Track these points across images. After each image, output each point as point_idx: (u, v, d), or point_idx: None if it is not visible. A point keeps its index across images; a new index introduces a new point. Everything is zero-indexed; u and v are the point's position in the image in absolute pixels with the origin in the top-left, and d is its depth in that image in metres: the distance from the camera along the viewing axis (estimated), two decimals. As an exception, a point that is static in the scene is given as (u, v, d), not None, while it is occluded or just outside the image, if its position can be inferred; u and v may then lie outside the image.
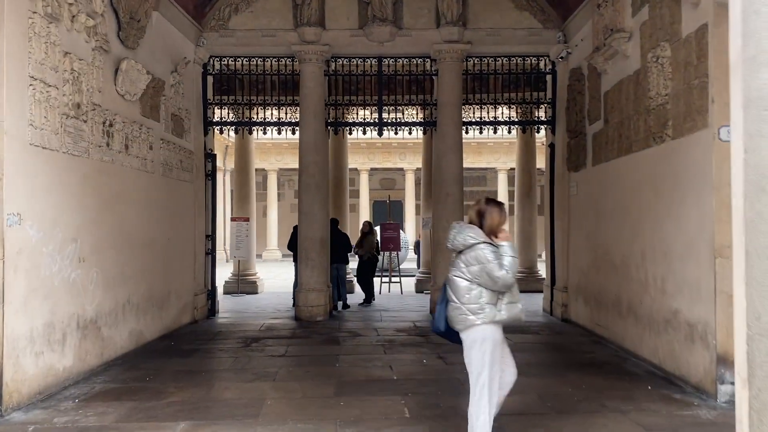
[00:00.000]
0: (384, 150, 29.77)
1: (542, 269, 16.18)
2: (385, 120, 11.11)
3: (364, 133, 11.15)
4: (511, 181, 31.93)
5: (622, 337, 7.98)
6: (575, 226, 10.17)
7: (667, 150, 6.68)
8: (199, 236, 10.58)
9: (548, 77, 11.24)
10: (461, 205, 10.68)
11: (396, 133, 11.32)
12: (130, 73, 7.68)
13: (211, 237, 10.96)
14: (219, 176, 27.38)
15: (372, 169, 30.67)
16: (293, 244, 11.48)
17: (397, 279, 15.45)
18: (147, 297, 8.40)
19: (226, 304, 12.88)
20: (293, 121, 11.06)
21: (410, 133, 11.29)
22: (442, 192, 10.58)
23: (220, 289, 15.01)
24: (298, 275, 10.78)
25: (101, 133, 7.09)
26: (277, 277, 19.86)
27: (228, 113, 11.13)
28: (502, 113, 11.11)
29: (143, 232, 8.27)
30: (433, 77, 11.27)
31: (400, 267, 16.60)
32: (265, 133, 11.12)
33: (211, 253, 10.96)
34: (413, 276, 19.36)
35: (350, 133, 11.17)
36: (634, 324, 7.57)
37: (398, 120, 11.17)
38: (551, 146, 11.18)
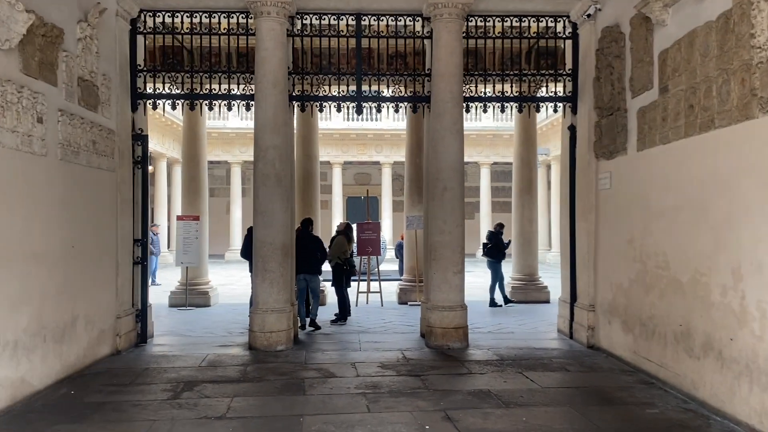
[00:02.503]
0: (359, 142, 27.44)
1: (545, 276, 14.08)
2: (366, 94, 8.78)
3: (339, 110, 8.78)
4: (495, 177, 30.01)
5: (693, 383, 5.81)
6: (607, 229, 8.00)
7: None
8: (124, 241, 8.14)
9: (567, 43, 9.03)
10: (462, 203, 8.43)
11: (379, 111, 8.98)
12: (-4, 7, 5.27)
13: (142, 242, 8.53)
14: (162, 166, 24.87)
15: (346, 163, 28.31)
16: (247, 251, 9.11)
17: (377, 289, 13.13)
18: (34, 330, 5.97)
19: (166, 323, 10.46)
20: (248, 94, 8.67)
21: (396, 111, 8.99)
22: (437, 186, 8.30)
23: (164, 302, 12.67)
24: (253, 292, 8.41)
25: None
26: (237, 283, 17.46)
27: (165, 84, 8.74)
28: (503, 90, 8.87)
29: (24, 240, 5.84)
30: (425, 41, 8.99)
31: (379, 269, 14.29)
32: (211, 109, 8.71)
33: (141, 262, 8.54)
34: (392, 279, 17.17)
35: (320, 110, 8.81)
36: (717, 368, 5.41)
37: (381, 95, 8.87)
38: (571, 129, 8.99)
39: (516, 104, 9.00)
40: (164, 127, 23.91)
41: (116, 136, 7.96)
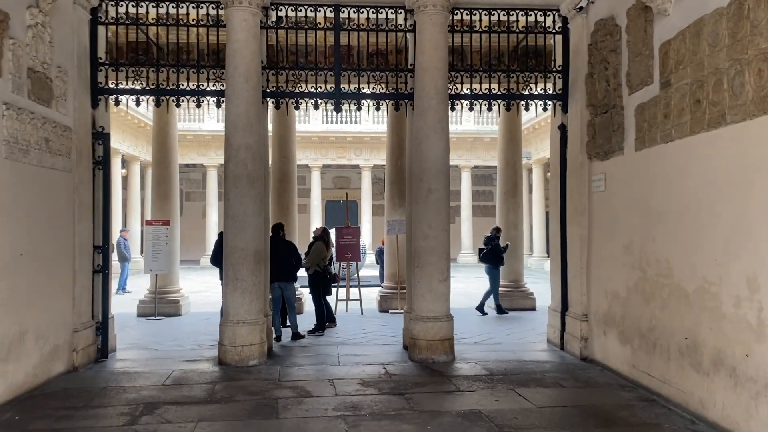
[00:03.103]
0: (338, 145, 26.87)
1: (528, 282, 13.64)
2: (345, 91, 8.22)
3: (316, 108, 8.24)
4: (476, 180, 29.62)
5: (701, 402, 5.34)
6: (602, 234, 7.54)
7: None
8: (82, 248, 7.49)
9: (557, 38, 8.58)
10: (447, 205, 7.92)
11: (359, 109, 8.45)
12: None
13: (103, 248, 7.88)
14: (135, 169, 24.08)
15: (325, 166, 27.71)
16: (218, 258, 8.51)
17: (356, 296, 12.56)
18: (-28, 348, 5.33)
19: (132, 335, 9.80)
20: (219, 90, 8.08)
21: (378, 109, 8.43)
22: (421, 187, 7.78)
23: (132, 311, 12.00)
24: (224, 301, 7.80)
25: None
26: (212, 290, 16.71)
27: (129, 79, 8.10)
28: (489, 87, 8.39)
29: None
30: (408, 35, 8.49)
31: (359, 275, 13.71)
32: (178, 105, 8.09)
33: (102, 270, 7.89)
34: (372, 285, 16.61)
35: (296, 108, 8.25)
36: (730, 387, 4.94)
37: (361, 92, 8.32)
38: (561, 128, 8.53)
39: (503, 102, 8.52)
40: (137, 129, 23.14)
41: (73, 133, 7.31)
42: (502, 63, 8.51)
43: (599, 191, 7.58)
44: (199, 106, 8.13)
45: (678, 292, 5.73)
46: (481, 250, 12.18)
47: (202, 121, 25.69)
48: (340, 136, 26.53)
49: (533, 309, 12.47)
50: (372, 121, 26.52)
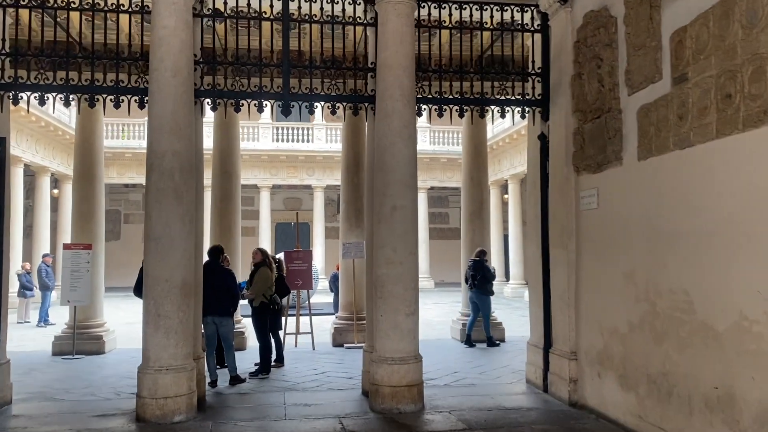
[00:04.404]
0: (289, 164, 25.53)
1: (500, 312, 12.56)
2: (294, 90, 7.00)
3: (260, 110, 6.93)
4: (432, 202, 28.65)
5: (740, 470, 4.27)
6: (594, 259, 6.49)
7: None
8: (-38, 278, 6.01)
9: (536, 38, 7.60)
10: (415, 225, 6.76)
11: (311, 113, 7.19)
12: None
13: (-7, 278, 6.40)
14: (68, 189, 22.19)
15: (275, 186, 26.29)
16: (140, 288, 7.09)
17: (308, 329, 11.20)
18: None
19: (39, 380, 8.28)
20: (142, 87, 6.74)
21: (333, 112, 7.29)
22: (385, 204, 6.60)
23: (46, 348, 10.40)
24: (144, 343, 6.38)
25: None
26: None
27: (32, 74, 6.72)
28: (462, 91, 7.32)
29: None
30: (368, 31, 7.38)
31: (310, 305, 12.34)
32: (92, 105, 6.70)
33: (-8, 305, 6.40)
34: (325, 314, 15.27)
35: (237, 110, 6.98)
36: (785, 454, 3.87)
37: (314, 93, 7.11)
38: (542, 138, 7.52)
39: (476, 108, 7.45)
40: (71, 146, 21.32)
41: (-47, 135, 5.88)
42: (474, 65, 7.47)
43: (590, 209, 6.55)
44: (117, 106, 6.74)
45: (703, 330, 4.68)
46: (473, 276, 10.98)
47: (143, 139, 24.01)
48: (291, 155, 25.24)
49: (502, 340, 11.39)
50: (325, 140, 25.39)
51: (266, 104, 7.06)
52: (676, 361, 5.01)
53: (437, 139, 26.57)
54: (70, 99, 6.73)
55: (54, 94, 6.70)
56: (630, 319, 5.71)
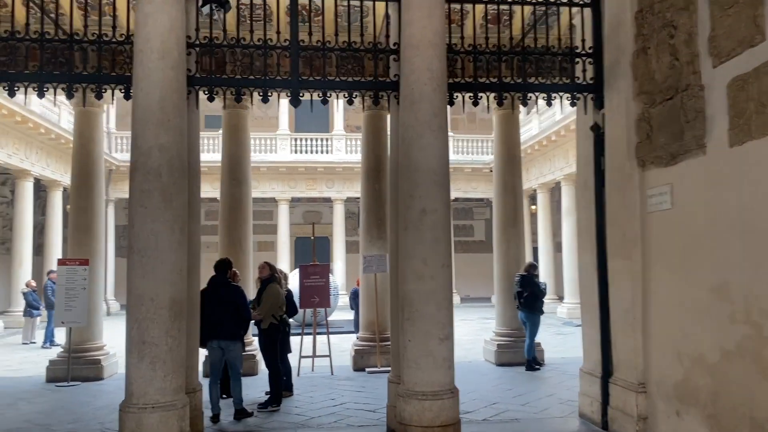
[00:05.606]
0: (308, 176, 24.59)
1: (546, 333, 11.34)
2: (305, 77, 6.00)
3: (266, 100, 5.94)
4: (456, 214, 27.49)
5: None
6: (667, 270, 5.34)
7: None
8: None
9: (585, 13, 6.52)
10: (448, 232, 5.66)
11: (324, 103, 6.22)
12: None
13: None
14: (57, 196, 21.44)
15: (294, 200, 25.35)
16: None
17: (325, 351, 10.12)
18: None
19: (22, 412, 7.38)
20: (127, 75, 5.79)
21: (350, 102, 6.22)
22: (413, 207, 5.53)
23: (40, 374, 9.50)
24: (126, 375, 5.35)
25: None
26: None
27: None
28: (500, 76, 6.26)
29: None
30: (389, 6, 6.38)
31: (328, 325, 11.26)
32: (70, 97, 5.80)
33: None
34: (345, 332, 14.22)
35: (238, 100, 6.02)
36: None
37: (327, 79, 6.10)
38: (595, 129, 6.41)
39: (518, 95, 6.38)
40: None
41: None
42: (513, 47, 6.42)
43: (661, 209, 5.41)
44: (99, 97, 5.80)
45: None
46: (519, 294, 9.85)
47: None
48: (310, 167, 24.30)
49: (541, 363, 10.21)
50: (345, 151, 24.47)
51: (272, 94, 6.05)
52: (796, 402, 3.86)
53: (461, 148, 25.50)
54: (44, 89, 5.77)
55: (25, 84, 5.76)
56: (723, 344, 4.55)
